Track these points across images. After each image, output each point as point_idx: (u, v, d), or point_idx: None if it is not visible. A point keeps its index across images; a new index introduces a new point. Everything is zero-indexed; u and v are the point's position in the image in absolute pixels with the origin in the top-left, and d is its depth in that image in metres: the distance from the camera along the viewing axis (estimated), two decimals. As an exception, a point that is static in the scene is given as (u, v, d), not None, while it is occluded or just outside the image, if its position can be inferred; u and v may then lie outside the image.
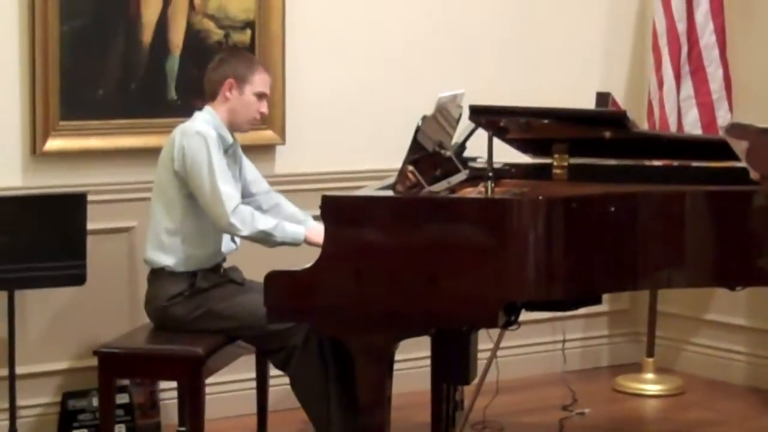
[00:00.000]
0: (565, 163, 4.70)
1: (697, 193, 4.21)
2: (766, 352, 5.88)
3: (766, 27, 5.83)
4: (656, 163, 4.92)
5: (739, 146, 3.77)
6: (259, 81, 4.62)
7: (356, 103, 5.55)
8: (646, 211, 4.13)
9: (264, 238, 4.45)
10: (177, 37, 5.14)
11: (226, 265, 4.68)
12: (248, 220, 4.41)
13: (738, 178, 4.19)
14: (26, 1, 4.83)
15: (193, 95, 5.08)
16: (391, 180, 4.10)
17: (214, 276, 4.60)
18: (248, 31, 5.27)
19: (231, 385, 5.23)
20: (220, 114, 4.60)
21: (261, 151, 5.23)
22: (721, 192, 4.25)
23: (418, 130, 4.00)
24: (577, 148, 4.69)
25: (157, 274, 4.58)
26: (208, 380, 4.48)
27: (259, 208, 4.63)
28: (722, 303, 5.95)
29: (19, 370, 4.79)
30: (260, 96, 4.63)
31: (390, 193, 4.06)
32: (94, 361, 4.46)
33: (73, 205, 4.74)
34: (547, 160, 4.74)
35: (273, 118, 5.19)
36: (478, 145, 4.50)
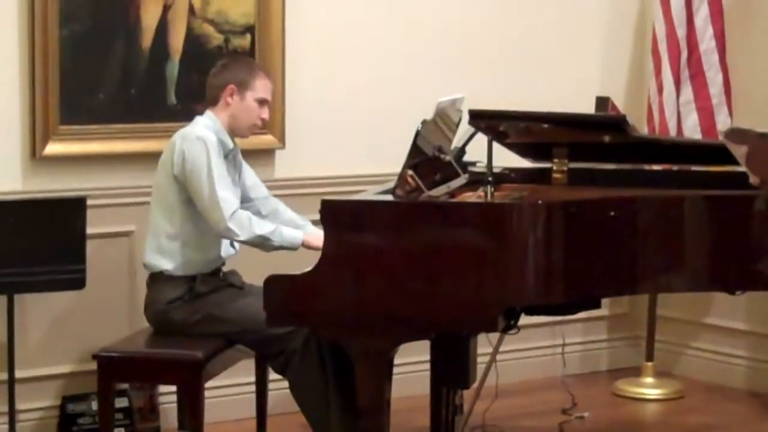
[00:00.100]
0: (565, 168, 4.70)
1: (697, 197, 4.21)
2: (766, 356, 5.88)
3: (766, 32, 5.83)
4: (656, 167, 4.92)
5: (739, 151, 3.77)
6: (261, 87, 4.62)
7: (356, 108, 5.56)
8: (646, 215, 4.13)
9: (262, 243, 4.45)
10: (177, 41, 5.14)
11: (225, 269, 4.68)
12: (246, 225, 4.42)
13: (737, 182, 4.19)
14: (26, 5, 4.83)
15: (193, 100, 5.09)
16: (391, 184, 4.10)
17: (214, 280, 4.61)
18: (248, 36, 5.28)
19: (230, 389, 5.23)
20: (221, 119, 4.60)
21: (261, 156, 5.23)
22: (721, 196, 4.25)
23: (417, 134, 4.00)
24: (577, 153, 4.69)
25: (157, 278, 4.58)
26: (208, 384, 4.48)
27: (257, 214, 4.63)
28: (722, 307, 5.95)
29: (19, 373, 4.79)
30: (261, 102, 4.63)
31: (390, 197, 4.06)
32: (93, 365, 4.47)
33: (72, 210, 4.74)
34: (547, 165, 4.74)
35: (273, 122, 5.19)
36: (477, 150, 4.50)
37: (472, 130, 4.60)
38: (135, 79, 5.08)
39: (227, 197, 4.43)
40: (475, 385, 4.86)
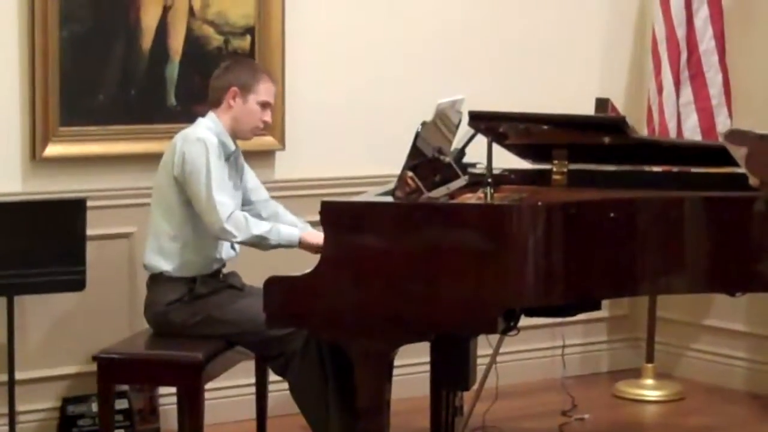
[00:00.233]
0: (565, 169, 4.70)
1: (696, 199, 4.21)
2: (766, 358, 5.88)
3: (765, 33, 5.83)
4: (655, 168, 4.92)
5: (738, 152, 3.77)
6: (264, 90, 4.62)
7: (356, 109, 5.56)
8: (646, 216, 4.13)
9: (259, 243, 4.45)
10: (177, 43, 5.14)
11: (225, 270, 4.68)
12: (243, 226, 4.42)
13: (737, 184, 4.19)
14: (26, 6, 4.83)
15: (193, 101, 5.09)
16: (391, 186, 4.10)
17: (213, 281, 4.61)
18: (248, 38, 5.28)
19: (230, 390, 5.23)
20: (223, 121, 4.60)
21: (261, 157, 5.23)
22: (721, 198, 4.25)
23: (417, 135, 4.01)
24: (577, 154, 4.69)
25: (156, 279, 4.58)
26: (208, 386, 4.47)
27: (257, 216, 4.63)
28: (722, 309, 5.95)
29: (19, 375, 4.79)
30: (264, 105, 4.63)
31: (389, 198, 4.06)
32: (93, 367, 4.47)
33: (72, 211, 4.74)
34: (547, 166, 4.74)
35: (273, 124, 5.16)
36: (477, 151, 4.50)
37: (471, 131, 4.60)
38: (135, 80, 5.08)
39: (223, 200, 4.42)
40: (475, 386, 4.86)
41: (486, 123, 4.42)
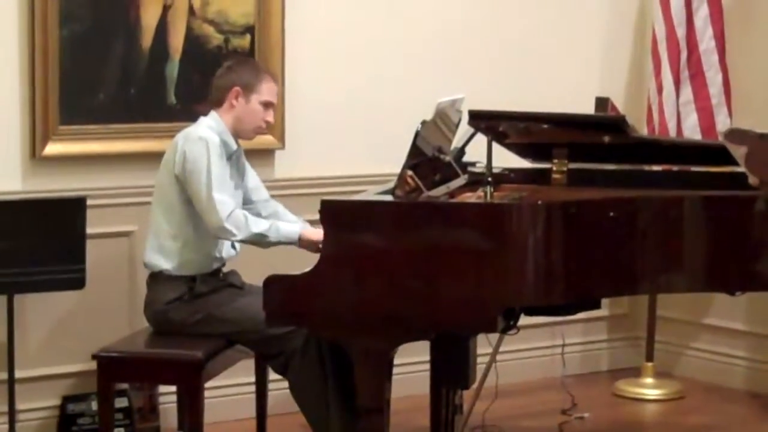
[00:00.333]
0: (564, 168, 4.70)
1: (696, 198, 4.21)
2: (766, 357, 5.88)
3: (765, 32, 5.83)
4: (655, 168, 4.92)
5: (738, 152, 3.77)
6: (266, 90, 4.62)
7: (355, 108, 5.56)
8: (645, 215, 4.13)
9: (259, 241, 4.46)
10: (177, 41, 5.15)
11: (225, 269, 4.68)
12: (242, 224, 4.42)
13: (737, 183, 4.19)
14: (26, 5, 4.83)
15: (193, 100, 5.09)
16: (391, 185, 4.10)
17: (213, 280, 4.61)
18: (248, 36, 5.28)
19: (230, 389, 5.23)
20: (226, 121, 4.60)
21: (260, 156, 5.23)
22: (720, 197, 4.25)
23: (417, 134, 4.01)
24: (577, 153, 4.69)
25: (156, 278, 4.58)
26: (208, 384, 4.48)
27: (257, 215, 4.63)
28: (722, 308, 5.95)
29: (19, 374, 4.80)
30: (266, 105, 4.63)
31: (389, 197, 4.06)
32: (93, 365, 4.47)
33: (72, 210, 4.74)
34: (547, 165, 4.74)
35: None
36: (477, 150, 4.50)
37: (471, 130, 4.60)
38: (135, 79, 5.08)
39: (223, 199, 4.43)
40: (475, 385, 4.86)
41: (486, 122, 4.42)
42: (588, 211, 4.05)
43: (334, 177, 5.43)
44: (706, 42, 5.83)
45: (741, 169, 3.88)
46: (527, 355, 6.00)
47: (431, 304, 3.91)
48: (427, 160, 4.14)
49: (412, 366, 5.33)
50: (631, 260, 4.11)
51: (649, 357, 5.95)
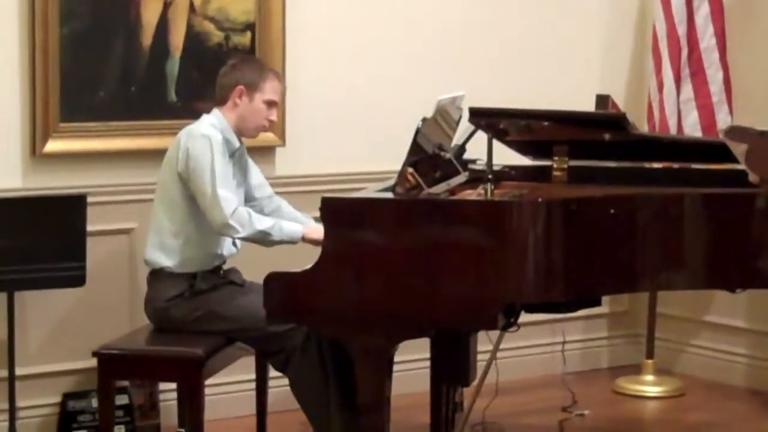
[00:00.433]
0: (565, 165, 4.71)
1: (697, 195, 4.21)
2: (766, 354, 5.88)
3: (766, 30, 5.83)
4: (656, 165, 4.92)
5: (739, 149, 3.78)
6: (270, 89, 4.62)
7: (356, 106, 5.56)
8: (646, 213, 4.13)
9: (262, 238, 4.45)
10: (177, 39, 5.15)
11: (225, 266, 4.68)
12: (246, 221, 4.42)
13: (738, 180, 4.19)
14: (26, 3, 4.83)
15: (193, 97, 5.10)
16: (391, 182, 4.10)
17: (214, 278, 4.61)
18: (248, 34, 5.28)
19: (230, 386, 5.24)
20: (229, 119, 4.60)
21: (261, 153, 5.23)
22: (721, 194, 4.25)
23: (418, 132, 4.01)
24: (577, 151, 4.69)
25: (157, 275, 4.58)
26: (208, 381, 4.48)
27: (261, 212, 4.64)
28: (722, 305, 5.95)
29: (19, 371, 4.80)
30: (270, 104, 4.62)
31: (390, 195, 4.06)
32: (93, 363, 4.47)
33: (73, 207, 4.74)
34: (547, 162, 4.74)
35: (273, 120, 5.20)
36: (477, 147, 4.50)
37: (472, 127, 4.59)
38: (135, 76, 5.08)
39: (227, 196, 4.43)
40: (475, 382, 4.86)
41: (486, 119, 4.42)
42: (588, 208, 4.05)
43: (335, 174, 5.43)
44: (707, 40, 5.83)
45: (741, 166, 3.89)
46: (528, 352, 6.00)
47: (431, 301, 3.91)
48: (428, 157, 4.14)
49: (412, 363, 5.33)
50: (632, 257, 4.11)
51: (650, 354, 5.95)
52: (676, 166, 4.82)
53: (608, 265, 4.08)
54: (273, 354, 4.51)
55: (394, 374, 4.31)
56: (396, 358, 4.39)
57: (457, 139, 4.61)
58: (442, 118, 4.29)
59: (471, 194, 4.29)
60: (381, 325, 3.95)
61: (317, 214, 4.04)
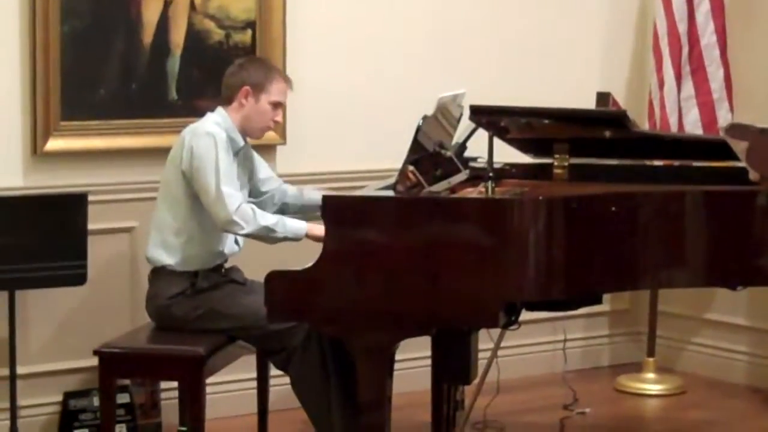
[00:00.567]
0: (566, 163, 4.70)
1: (698, 193, 4.21)
2: (767, 352, 5.88)
3: (767, 28, 5.83)
4: (656, 163, 4.92)
5: (739, 147, 3.77)
6: (276, 90, 4.61)
7: (357, 104, 5.56)
8: (647, 210, 4.13)
9: (267, 235, 4.45)
10: (178, 37, 5.15)
11: (227, 265, 4.68)
12: (250, 217, 4.42)
13: (739, 178, 4.19)
14: (27, 2, 4.83)
15: (194, 95, 5.10)
16: (392, 180, 4.10)
17: (215, 276, 4.61)
18: (249, 32, 5.28)
19: (232, 384, 5.24)
20: (234, 119, 4.59)
21: (262, 151, 5.20)
22: (722, 192, 4.25)
23: (418, 130, 4.01)
24: (578, 148, 4.69)
25: (158, 273, 4.58)
26: (209, 380, 4.48)
27: (271, 204, 4.68)
28: (723, 303, 5.95)
29: (20, 370, 4.80)
30: (276, 105, 4.62)
31: (390, 193, 4.06)
32: (94, 361, 4.47)
33: (74, 205, 4.74)
34: (548, 160, 4.74)
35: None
36: (478, 145, 4.50)
37: (472, 125, 4.60)
38: (136, 74, 5.08)
39: (231, 192, 4.43)
40: (476, 380, 4.86)
41: (487, 117, 4.42)
42: (589, 206, 4.05)
43: (336, 172, 5.43)
44: (708, 37, 5.83)
45: (742, 164, 3.88)
46: (529, 350, 6.00)
47: (432, 299, 3.91)
48: (429, 155, 4.14)
49: (413, 362, 5.33)
50: (633, 255, 4.11)
51: (651, 352, 5.95)
52: (676, 163, 4.82)
53: (609, 262, 4.08)
54: (274, 352, 4.51)
55: (395, 372, 4.31)
56: (397, 357, 4.39)
57: (458, 137, 4.61)
58: (443, 116, 4.28)
59: (472, 192, 4.29)
60: (382, 323, 3.95)
61: (318, 212, 4.04)
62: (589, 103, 5.04)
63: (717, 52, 5.83)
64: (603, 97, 5.06)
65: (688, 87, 5.84)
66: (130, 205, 5.07)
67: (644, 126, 5.82)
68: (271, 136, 5.27)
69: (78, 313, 5.04)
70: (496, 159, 4.25)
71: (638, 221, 4.12)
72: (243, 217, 4.41)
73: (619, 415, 5.61)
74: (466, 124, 4.60)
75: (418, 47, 5.69)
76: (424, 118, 4.04)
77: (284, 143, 5.39)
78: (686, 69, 5.84)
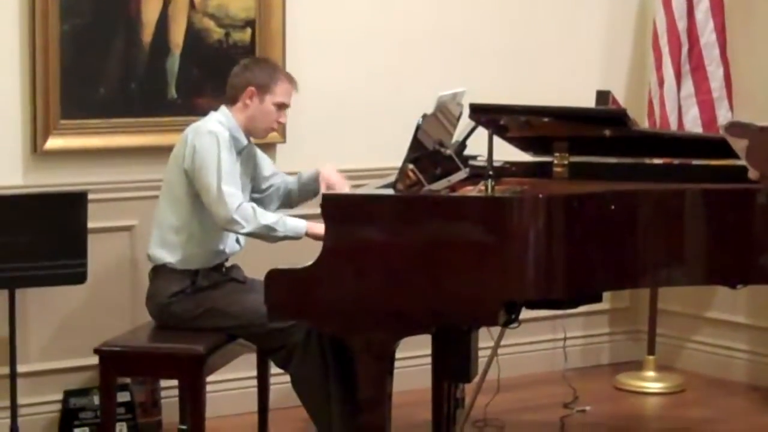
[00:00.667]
0: (566, 162, 4.70)
1: (697, 191, 4.21)
2: (767, 350, 5.88)
3: (766, 26, 5.83)
4: (656, 161, 4.92)
5: (739, 145, 3.77)
6: (281, 91, 4.62)
7: (356, 102, 5.56)
8: (647, 209, 4.13)
9: (267, 233, 4.45)
10: (177, 36, 5.15)
11: (227, 264, 4.68)
12: (251, 216, 4.42)
13: (738, 176, 4.19)
14: (27, 0, 4.83)
15: (194, 94, 5.10)
16: (392, 178, 4.10)
17: (216, 275, 4.61)
18: (248, 30, 5.28)
19: (232, 383, 5.24)
20: (238, 119, 4.59)
21: (262, 150, 5.22)
22: (721, 190, 4.25)
23: (418, 128, 4.01)
24: (578, 147, 4.69)
25: (159, 271, 4.59)
26: (209, 378, 4.48)
27: (277, 199, 4.72)
28: (723, 301, 5.95)
29: (21, 368, 4.80)
30: (280, 106, 4.63)
31: (390, 191, 4.06)
32: (95, 360, 4.47)
33: (73, 204, 4.74)
34: (548, 159, 4.74)
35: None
36: (478, 144, 4.50)
37: (472, 124, 4.60)
38: (135, 73, 5.08)
39: (232, 191, 4.43)
40: (477, 379, 4.86)
41: (487, 115, 4.42)
42: (589, 204, 4.05)
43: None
44: (707, 35, 5.82)
45: (742, 162, 3.88)
46: (529, 348, 6.00)
47: (432, 297, 3.91)
48: (428, 153, 4.14)
49: (413, 360, 5.33)
50: (633, 253, 4.10)
51: (651, 350, 5.95)
52: (676, 162, 4.82)
53: (609, 261, 4.08)
54: (274, 351, 4.51)
55: (395, 371, 4.31)
56: (397, 355, 4.39)
57: (458, 135, 4.62)
58: (443, 114, 4.29)
59: (472, 191, 4.29)
60: (382, 321, 3.95)
61: (318, 211, 4.03)
62: (588, 102, 5.04)
63: (717, 51, 5.83)
64: (603, 96, 5.06)
65: (688, 85, 5.84)
66: (129, 204, 5.07)
67: (644, 124, 5.82)
68: (271, 134, 5.27)
69: (78, 311, 5.04)
70: (495, 157, 4.24)
71: (638, 219, 4.12)
72: (243, 216, 4.41)
73: (619, 413, 5.61)
74: (465, 122, 4.60)
75: (418, 46, 5.69)
76: (424, 116, 4.04)
77: (284, 142, 5.39)
78: (686, 67, 5.84)
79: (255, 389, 4.88)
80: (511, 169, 4.74)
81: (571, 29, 6.08)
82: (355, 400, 4.09)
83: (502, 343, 5.14)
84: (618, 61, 6.22)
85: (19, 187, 4.86)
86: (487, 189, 4.14)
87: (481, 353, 4.78)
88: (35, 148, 4.91)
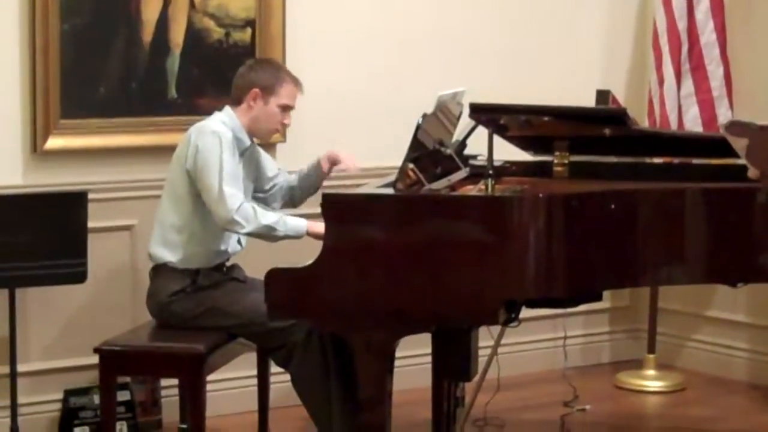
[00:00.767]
0: (566, 161, 4.71)
1: (697, 190, 4.21)
2: (767, 349, 5.88)
3: (766, 25, 5.83)
4: (656, 160, 4.92)
5: (739, 144, 3.77)
6: (285, 93, 4.62)
7: (356, 102, 5.56)
8: (647, 208, 4.14)
9: (268, 233, 4.45)
10: (177, 35, 5.15)
11: (228, 263, 4.68)
12: (251, 216, 4.42)
13: (739, 175, 4.19)
14: (27, 0, 4.83)
15: (194, 94, 5.10)
16: (392, 178, 4.10)
17: (216, 274, 4.61)
18: (248, 30, 5.28)
19: (232, 382, 5.24)
20: (241, 120, 4.59)
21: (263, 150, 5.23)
22: (721, 189, 4.25)
23: (418, 127, 4.01)
24: (578, 146, 4.69)
25: (160, 270, 4.59)
26: (209, 377, 4.48)
27: (280, 198, 4.74)
28: (723, 299, 5.95)
29: (21, 367, 4.81)
30: (284, 108, 4.63)
31: (390, 190, 4.06)
32: (95, 359, 4.47)
33: (74, 204, 4.74)
34: (548, 158, 4.74)
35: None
36: (478, 143, 4.50)
37: (472, 123, 4.60)
38: (136, 73, 5.08)
39: (233, 191, 4.43)
40: (477, 377, 4.87)
41: (487, 115, 4.42)
42: (589, 203, 4.05)
43: (336, 171, 5.42)
44: (707, 35, 5.83)
45: (742, 161, 3.88)
46: (529, 347, 6.01)
47: (433, 296, 3.91)
48: (428, 153, 4.15)
49: (413, 359, 5.33)
50: (633, 252, 4.11)
51: (651, 349, 5.95)
52: (676, 161, 4.82)
53: (609, 260, 4.08)
54: (275, 350, 4.51)
55: (396, 370, 4.31)
56: (397, 354, 4.38)
57: (458, 134, 4.62)
58: (443, 113, 4.29)
59: (472, 190, 4.29)
60: (382, 320, 3.96)
61: (318, 210, 4.04)
62: (589, 101, 5.05)
63: (717, 51, 5.83)
64: (603, 95, 5.07)
65: (688, 84, 5.85)
66: (130, 203, 5.07)
67: (644, 123, 5.82)
68: (271, 134, 5.29)
69: (78, 310, 5.04)
70: (496, 156, 4.24)
71: (638, 218, 4.12)
72: (244, 216, 4.41)
73: (620, 411, 5.61)
74: (465, 121, 4.60)
75: (418, 45, 5.69)
76: (424, 116, 4.04)
77: (284, 141, 5.39)
78: (686, 66, 5.85)
79: (255, 388, 4.88)
80: (511, 169, 4.75)
81: (571, 29, 6.08)
82: (356, 399, 4.09)
83: (503, 341, 5.14)
84: (618, 60, 6.22)
85: (19, 187, 4.86)
86: (487, 188, 4.15)
87: (481, 352, 4.78)
88: (35, 148, 4.91)
